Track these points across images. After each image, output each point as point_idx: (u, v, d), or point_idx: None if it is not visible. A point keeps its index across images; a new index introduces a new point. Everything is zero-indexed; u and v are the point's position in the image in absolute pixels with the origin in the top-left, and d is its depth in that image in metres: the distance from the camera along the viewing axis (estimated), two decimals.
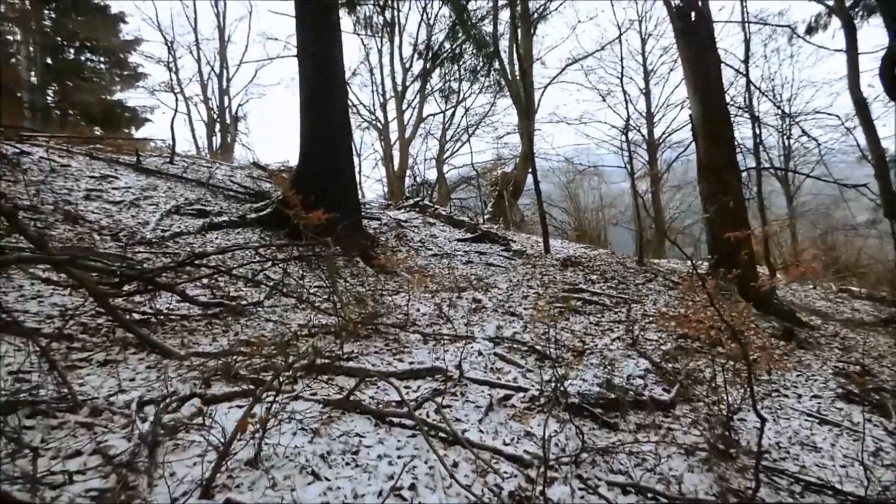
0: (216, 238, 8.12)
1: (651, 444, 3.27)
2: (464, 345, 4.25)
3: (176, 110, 14.25)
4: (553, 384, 3.62)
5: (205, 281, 4.88)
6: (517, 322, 5.33)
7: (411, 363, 3.81)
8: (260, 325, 4.26)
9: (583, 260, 8.18)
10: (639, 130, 22.20)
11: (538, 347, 4.47)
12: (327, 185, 8.66)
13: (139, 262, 5.10)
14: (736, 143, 8.64)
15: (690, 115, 8.65)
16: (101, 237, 6.38)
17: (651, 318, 5.88)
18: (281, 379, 2.83)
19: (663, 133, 22.46)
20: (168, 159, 12.23)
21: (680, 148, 22.63)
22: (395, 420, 2.86)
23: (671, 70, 22.01)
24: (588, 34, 59.89)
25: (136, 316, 3.82)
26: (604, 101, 23.14)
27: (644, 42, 22.06)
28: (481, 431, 2.98)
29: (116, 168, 10.08)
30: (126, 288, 3.98)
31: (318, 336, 4.07)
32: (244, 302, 4.63)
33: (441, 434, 2.80)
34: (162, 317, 3.88)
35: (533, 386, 3.68)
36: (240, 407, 2.73)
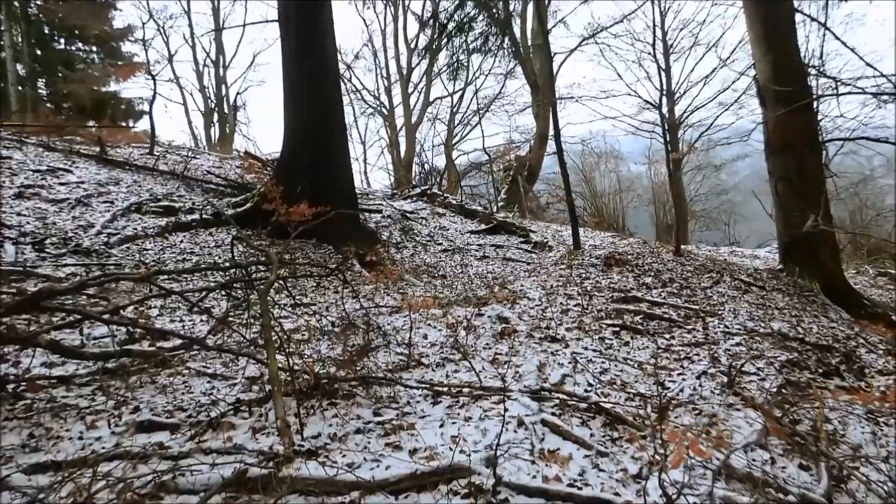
0: (181, 241, 6.71)
1: None
2: (500, 403, 2.79)
3: (155, 92, 12.81)
4: (655, 487, 2.16)
5: (130, 310, 3.45)
6: (563, 353, 3.85)
7: (414, 451, 2.34)
8: (185, 384, 2.80)
9: (629, 257, 6.64)
10: (659, 110, 20.65)
11: (605, 404, 2.98)
12: (316, 174, 7.29)
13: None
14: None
15: (755, 77, 7.04)
16: (18, 247, 4.99)
17: (742, 339, 4.35)
18: None
19: (684, 112, 20.99)
20: (147, 150, 10.91)
21: (702, 128, 21.27)
22: None
23: (692, 45, 20.54)
24: (603, 8, 57.12)
25: None
26: (620, 78, 21.60)
27: (664, 15, 20.55)
28: None
29: (74, 160, 8.67)
30: None
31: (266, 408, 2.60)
32: (169, 345, 3.15)
33: None
34: (19, 385, 2.42)
35: (616, 493, 2.22)
36: None
